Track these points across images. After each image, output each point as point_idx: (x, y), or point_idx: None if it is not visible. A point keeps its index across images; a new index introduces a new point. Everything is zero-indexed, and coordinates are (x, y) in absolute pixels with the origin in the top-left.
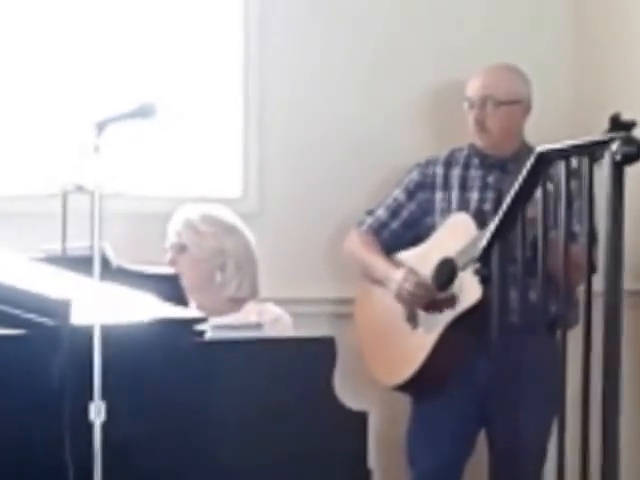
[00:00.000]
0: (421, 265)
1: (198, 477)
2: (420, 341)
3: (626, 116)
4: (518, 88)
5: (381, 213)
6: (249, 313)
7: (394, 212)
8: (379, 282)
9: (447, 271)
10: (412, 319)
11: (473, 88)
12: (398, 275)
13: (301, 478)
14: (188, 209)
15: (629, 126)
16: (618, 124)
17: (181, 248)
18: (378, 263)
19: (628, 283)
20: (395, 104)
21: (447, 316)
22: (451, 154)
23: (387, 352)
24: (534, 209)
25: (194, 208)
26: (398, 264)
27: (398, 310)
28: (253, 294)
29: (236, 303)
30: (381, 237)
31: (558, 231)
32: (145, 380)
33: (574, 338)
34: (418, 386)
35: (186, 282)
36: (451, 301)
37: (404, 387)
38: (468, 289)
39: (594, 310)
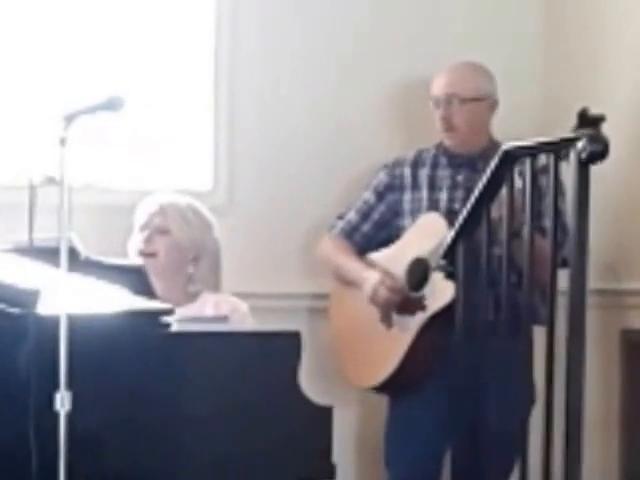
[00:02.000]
0: (393, 265)
1: (163, 467)
2: (395, 342)
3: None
4: (482, 85)
5: (352, 216)
6: (205, 303)
7: (365, 214)
8: (353, 284)
9: (420, 271)
10: (386, 319)
11: (438, 87)
12: (373, 278)
13: (265, 470)
14: (168, 195)
15: (597, 121)
16: (586, 119)
17: (164, 230)
18: (352, 265)
19: (598, 283)
20: (366, 101)
21: (421, 316)
22: (418, 154)
23: (362, 354)
24: (499, 209)
25: (175, 195)
26: (372, 265)
27: (372, 310)
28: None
29: (193, 294)
30: (353, 240)
31: (530, 227)
32: (111, 371)
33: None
34: (394, 387)
35: (156, 265)
36: (423, 302)
37: (380, 389)
38: (441, 289)
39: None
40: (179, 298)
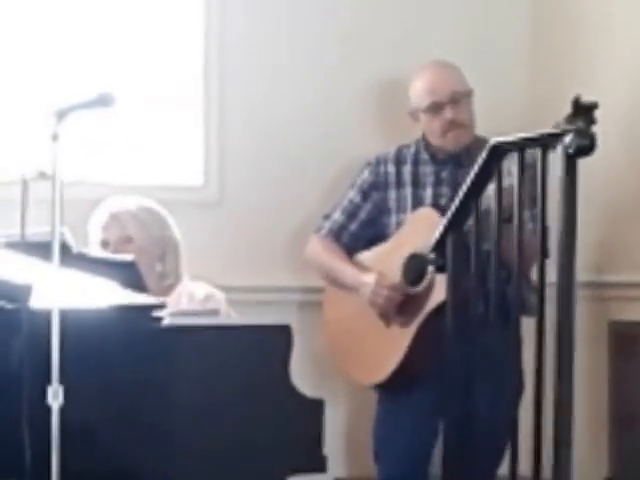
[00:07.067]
0: (388, 263)
1: (155, 460)
2: (395, 338)
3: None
4: (465, 78)
5: (338, 216)
6: (180, 293)
7: (351, 214)
8: (349, 289)
9: (417, 267)
10: (385, 316)
11: (439, 91)
12: (370, 280)
13: (256, 462)
14: (114, 201)
15: (590, 108)
16: (580, 106)
17: (127, 240)
18: (347, 270)
19: (586, 275)
20: (354, 100)
21: (421, 313)
22: (399, 151)
23: (359, 351)
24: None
25: (122, 199)
26: (366, 268)
27: (368, 307)
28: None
29: (167, 288)
30: (341, 240)
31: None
32: (103, 364)
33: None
34: (394, 384)
35: None
36: (423, 297)
37: (380, 385)
38: (440, 284)
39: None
40: (154, 294)
